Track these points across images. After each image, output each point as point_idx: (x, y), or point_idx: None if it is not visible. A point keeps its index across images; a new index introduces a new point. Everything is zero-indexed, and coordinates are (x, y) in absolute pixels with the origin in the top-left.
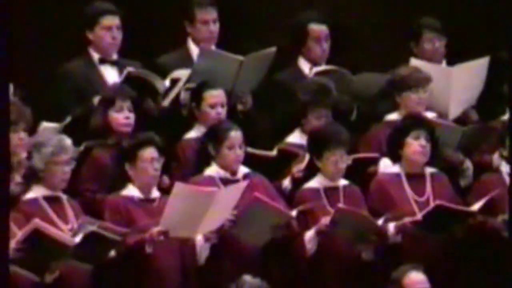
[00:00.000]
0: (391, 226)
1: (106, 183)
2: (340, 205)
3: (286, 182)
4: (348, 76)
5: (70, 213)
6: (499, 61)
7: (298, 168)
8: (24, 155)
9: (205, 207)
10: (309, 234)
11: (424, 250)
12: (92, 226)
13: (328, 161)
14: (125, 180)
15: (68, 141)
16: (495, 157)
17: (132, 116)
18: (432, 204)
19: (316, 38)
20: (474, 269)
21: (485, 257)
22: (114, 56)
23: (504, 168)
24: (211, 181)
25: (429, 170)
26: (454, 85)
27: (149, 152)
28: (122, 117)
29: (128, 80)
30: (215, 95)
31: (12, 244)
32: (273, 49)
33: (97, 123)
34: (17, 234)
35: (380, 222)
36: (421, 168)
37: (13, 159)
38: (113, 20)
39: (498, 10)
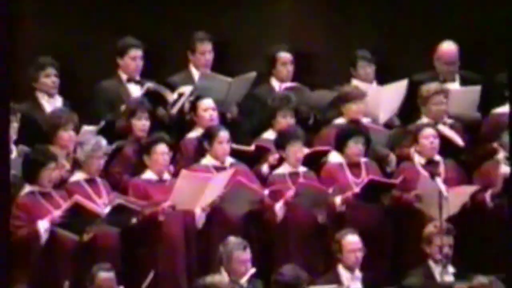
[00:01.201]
0: (338, 199)
1: (129, 169)
2: (301, 179)
3: (265, 168)
4: (307, 92)
5: (103, 190)
6: (414, 82)
7: (274, 157)
8: (72, 148)
9: (203, 188)
10: (279, 205)
11: (364, 217)
12: (119, 200)
13: (290, 151)
14: (143, 167)
15: (103, 142)
16: (412, 151)
17: (147, 124)
18: (366, 179)
19: (283, 63)
20: (398, 230)
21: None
22: (137, 77)
23: (417, 158)
24: (206, 168)
25: (363, 159)
26: (382, 99)
27: (161, 148)
28: (141, 124)
29: (147, 93)
30: (206, 103)
31: (58, 213)
32: (253, 73)
33: (122, 126)
34: (62, 206)
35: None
36: (357, 158)
37: (64, 151)
38: (137, 52)
39: (416, 43)
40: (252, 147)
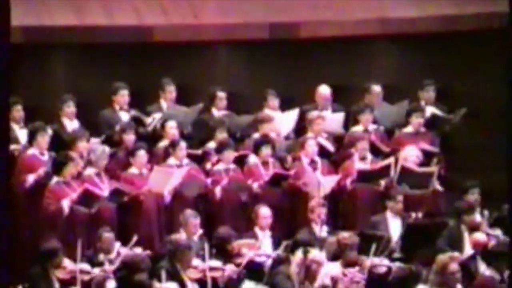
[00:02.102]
0: (255, 184)
1: (121, 166)
2: (231, 173)
3: (208, 165)
4: (235, 117)
5: (105, 180)
6: (303, 110)
7: (214, 159)
8: (85, 153)
9: (168, 178)
10: (217, 189)
11: (271, 196)
12: (115, 185)
13: (224, 155)
14: (130, 165)
15: (107, 149)
16: (302, 154)
17: (133, 137)
18: (272, 172)
19: (219, 98)
20: (292, 205)
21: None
22: (125, 107)
23: (304, 159)
24: (170, 165)
25: (271, 159)
26: (283, 121)
27: (141, 153)
28: (128, 138)
29: (132, 118)
30: (171, 124)
31: (75, 195)
32: (200, 105)
33: (116, 139)
34: (78, 191)
35: (249, 182)
36: (266, 159)
37: (79, 155)
38: (125, 91)
39: (304, 86)
40: (200, 152)
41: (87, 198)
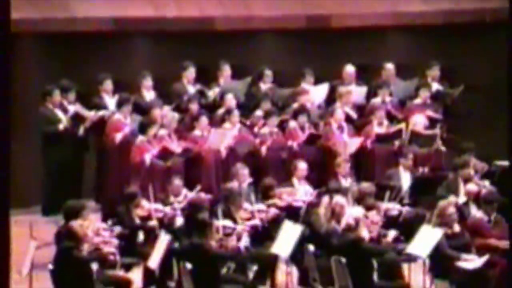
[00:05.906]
0: (294, 144)
1: (188, 129)
2: (274, 136)
3: (256, 129)
4: (278, 89)
5: (175, 140)
6: (332, 85)
7: (260, 123)
8: (159, 118)
9: (224, 137)
10: (263, 148)
11: (307, 153)
12: (184, 145)
13: (269, 121)
14: (194, 128)
15: (176, 115)
16: (332, 120)
17: (197, 107)
18: (308, 133)
19: (266, 75)
20: (324, 160)
21: None
22: (192, 82)
23: (333, 124)
24: (225, 128)
25: (306, 124)
26: (316, 93)
27: (203, 119)
28: (194, 107)
29: (197, 91)
30: (228, 96)
31: (154, 150)
32: (249, 78)
33: (184, 108)
34: (156, 147)
35: (289, 143)
36: (303, 124)
37: (154, 119)
38: (192, 69)
39: (332, 66)
40: (248, 122)
41: (163, 153)
